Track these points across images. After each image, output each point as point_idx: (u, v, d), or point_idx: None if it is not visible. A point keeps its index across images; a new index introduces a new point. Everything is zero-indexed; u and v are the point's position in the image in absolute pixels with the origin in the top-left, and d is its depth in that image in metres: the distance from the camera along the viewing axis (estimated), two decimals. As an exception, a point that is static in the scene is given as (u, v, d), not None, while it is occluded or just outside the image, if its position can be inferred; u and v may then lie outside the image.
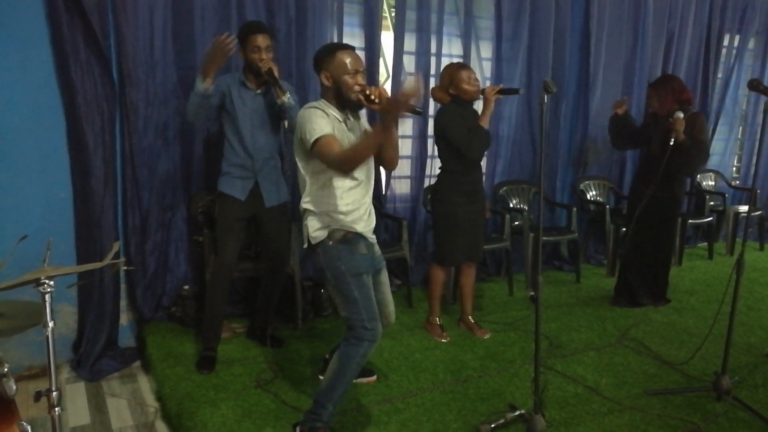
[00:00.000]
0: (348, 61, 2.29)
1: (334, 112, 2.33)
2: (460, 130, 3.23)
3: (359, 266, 2.36)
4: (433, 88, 3.47)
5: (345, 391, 2.38)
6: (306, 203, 2.38)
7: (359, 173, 2.36)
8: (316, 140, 2.20)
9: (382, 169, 4.16)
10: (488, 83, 4.58)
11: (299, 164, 2.37)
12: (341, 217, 2.34)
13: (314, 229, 2.38)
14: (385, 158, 2.45)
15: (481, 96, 3.27)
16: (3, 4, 2.90)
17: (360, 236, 2.40)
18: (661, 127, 3.82)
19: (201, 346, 3.19)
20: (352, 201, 2.36)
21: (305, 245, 2.45)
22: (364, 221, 2.41)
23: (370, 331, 2.31)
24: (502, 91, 3.25)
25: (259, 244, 3.50)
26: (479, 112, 3.31)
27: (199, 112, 2.93)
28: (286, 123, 3.02)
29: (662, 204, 3.88)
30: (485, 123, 3.23)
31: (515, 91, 3.31)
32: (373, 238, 2.50)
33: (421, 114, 2.34)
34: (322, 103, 2.35)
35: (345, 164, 2.19)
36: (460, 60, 4.36)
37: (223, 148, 3.12)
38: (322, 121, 2.23)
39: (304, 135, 2.25)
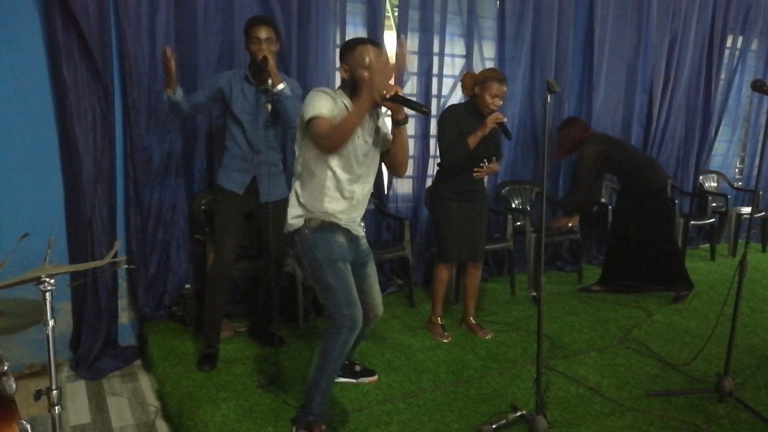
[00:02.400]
0: (367, 56, 2.29)
1: (345, 102, 2.33)
2: (447, 136, 3.25)
3: (334, 253, 2.36)
4: (468, 72, 3.45)
5: (330, 381, 2.38)
6: (293, 191, 2.42)
7: (342, 169, 2.35)
8: (312, 118, 2.24)
9: (384, 170, 4.17)
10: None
11: (296, 150, 2.41)
12: (318, 206, 2.36)
13: (292, 216, 2.42)
14: (393, 161, 2.45)
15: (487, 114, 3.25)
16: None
17: (337, 226, 2.40)
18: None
19: (203, 344, 3.18)
20: (333, 192, 2.36)
21: (285, 231, 2.48)
22: (344, 213, 2.40)
23: (348, 317, 2.30)
24: (501, 125, 3.23)
25: (259, 243, 3.50)
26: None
27: (181, 112, 3.05)
28: (269, 106, 2.95)
29: (637, 202, 4.21)
30: (473, 143, 3.20)
31: (507, 135, 3.29)
32: (358, 231, 2.49)
33: (426, 113, 2.33)
34: (337, 92, 2.36)
35: (328, 139, 2.20)
36: (463, 59, 4.37)
37: (225, 140, 3.12)
38: (323, 102, 2.25)
39: (304, 113, 2.28)
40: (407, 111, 2.30)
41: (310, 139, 2.32)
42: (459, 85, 3.49)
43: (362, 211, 2.52)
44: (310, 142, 2.33)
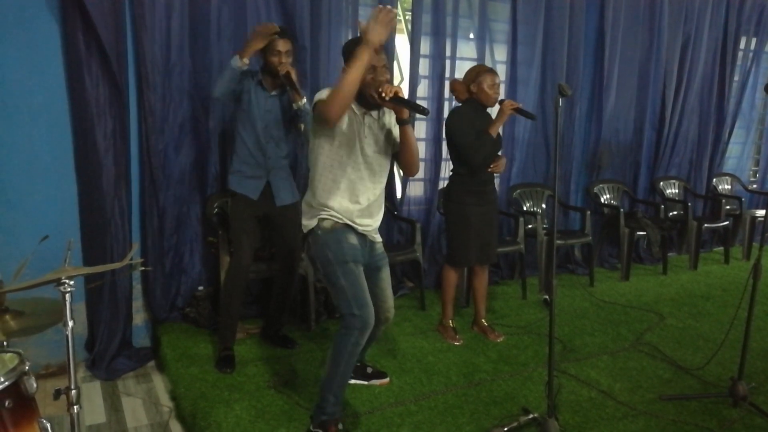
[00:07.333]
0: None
1: (352, 105, 2.35)
2: (467, 135, 3.25)
3: (345, 254, 2.38)
4: (453, 80, 3.45)
5: (343, 382, 2.41)
6: (306, 194, 2.47)
7: (352, 169, 2.37)
8: (317, 102, 2.26)
9: (395, 173, 4.19)
10: (503, 86, 4.58)
11: (309, 155, 2.44)
12: (330, 207, 2.40)
13: (306, 217, 2.46)
14: (403, 161, 2.48)
15: (498, 105, 3.29)
16: (21, 13, 2.95)
17: (350, 228, 2.42)
18: None
19: (219, 347, 3.21)
20: (344, 194, 2.40)
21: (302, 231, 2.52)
22: (356, 215, 2.43)
23: (358, 318, 2.31)
24: (518, 110, 3.25)
25: (272, 245, 3.53)
26: (492, 117, 3.33)
27: (227, 87, 2.95)
28: (302, 126, 3.06)
29: None
30: (494, 131, 3.24)
31: (530, 116, 3.28)
32: (373, 236, 2.52)
33: (425, 113, 2.32)
34: None
35: (329, 102, 2.17)
36: (475, 63, 4.37)
37: (235, 145, 3.15)
38: (328, 92, 2.27)
39: (313, 107, 2.31)
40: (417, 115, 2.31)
41: (319, 137, 2.36)
42: (452, 94, 3.48)
43: (376, 217, 2.52)
44: (320, 140, 2.36)
